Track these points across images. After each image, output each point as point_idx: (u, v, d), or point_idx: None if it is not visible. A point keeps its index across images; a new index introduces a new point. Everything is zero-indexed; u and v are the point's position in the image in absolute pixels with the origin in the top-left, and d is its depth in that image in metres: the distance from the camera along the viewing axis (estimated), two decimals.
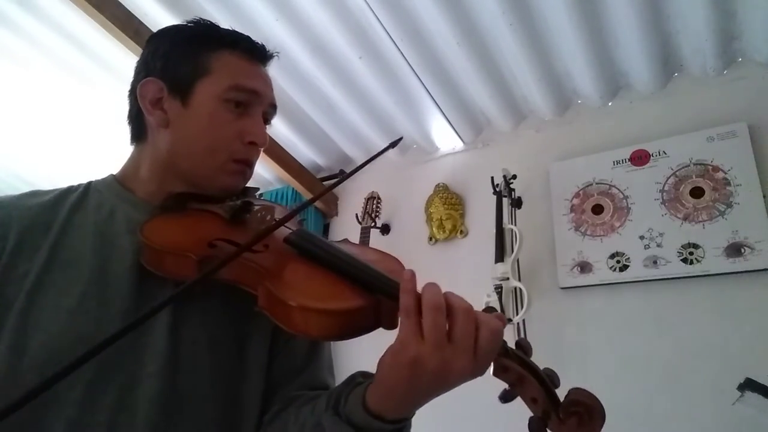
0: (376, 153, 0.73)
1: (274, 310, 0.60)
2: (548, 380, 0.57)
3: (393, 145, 0.74)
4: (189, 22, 0.80)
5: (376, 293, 0.61)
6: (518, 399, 0.59)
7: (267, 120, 0.81)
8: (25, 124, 2.54)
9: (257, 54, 0.79)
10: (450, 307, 0.54)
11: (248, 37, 0.79)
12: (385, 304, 0.60)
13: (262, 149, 0.79)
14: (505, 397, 0.58)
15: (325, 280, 0.63)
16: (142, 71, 0.77)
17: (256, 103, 0.77)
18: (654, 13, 1.84)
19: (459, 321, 0.54)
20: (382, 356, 0.57)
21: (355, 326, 0.59)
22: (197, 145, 0.74)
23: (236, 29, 0.81)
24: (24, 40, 2.10)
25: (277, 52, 0.82)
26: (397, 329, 0.58)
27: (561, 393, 0.57)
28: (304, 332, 0.59)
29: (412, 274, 0.57)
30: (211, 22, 0.80)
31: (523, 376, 0.57)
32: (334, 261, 0.65)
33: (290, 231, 0.72)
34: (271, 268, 0.63)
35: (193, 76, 0.74)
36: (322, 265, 0.65)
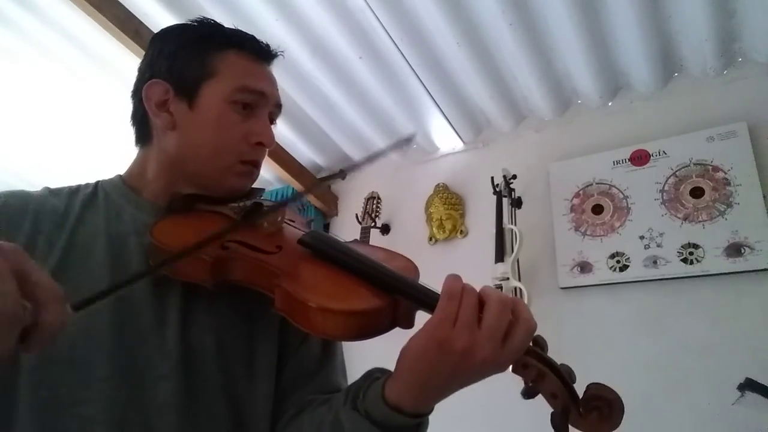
0: (386, 147, 0.73)
1: (292, 311, 0.60)
2: (567, 376, 0.58)
3: (406, 141, 0.74)
4: (193, 21, 0.79)
5: (393, 293, 0.61)
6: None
7: (272, 120, 0.81)
8: (25, 123, 2.54)
9: (263, 54, 0.79)
10: (487, 297, 0.56)
11: (253, 37, 0.79)
12: (403, 304, 0.61)
13: (268, 149, 0.79)
14: (528, 394, 0.59)
15: (342, 281, 0.64)
16: (147, 72, 0.76)
17: (263, 104, 0.77)
18: (654, 13, 1.84)
19: (492, 310, 0.55)
20: (407, 343, 0.57)
21: (373, 326, 0.60)
22: (204, 147, 0.74)
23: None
24: (24, 39, 2.10)
25: (282, 51, 0.82)
26: (413, 329, 0.60)
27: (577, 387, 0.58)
28: (323, 332, 0.59)
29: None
30: (215, 22, 0.79)
31: (543, 372, 0.57)
32: (350, 261, 0.65)
33: (303, 233, 0.72)
34: (287, 269, 0.63)
35: (199, 77, 0.73)
36: (337, 265, 0.66)
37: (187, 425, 0.63)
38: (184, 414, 0.64)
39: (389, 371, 0.61)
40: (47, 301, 0.40)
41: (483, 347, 0.54)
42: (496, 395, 1.49)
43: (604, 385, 0.57)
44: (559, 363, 0.59)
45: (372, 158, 0.75)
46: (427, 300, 0.59)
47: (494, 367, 0.55)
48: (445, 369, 0.55)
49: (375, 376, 0.63)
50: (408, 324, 0.62)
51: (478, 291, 0.57)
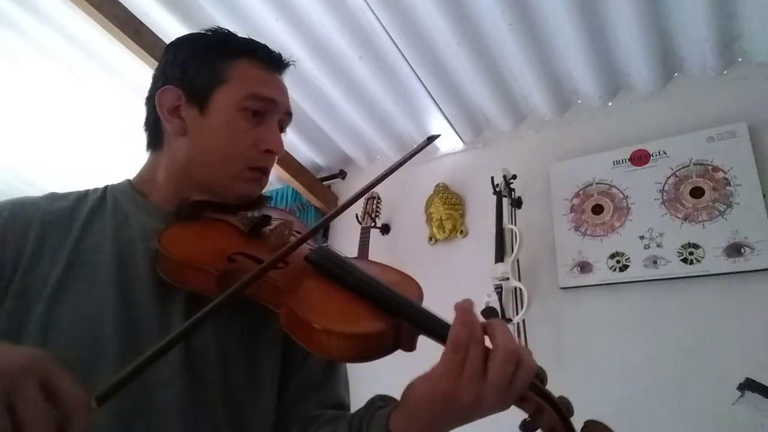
0: (412, 151, 0.74)
1: (296, 329, 0.60)
2: (565, 410, 0.58)
3: (431, 140, 0.74)
4: (207, 30, 0.80)
5: (397, 317, 0.61)
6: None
7: (282, 128, 0.82)
8: (25, 123, 2.54)
9: (274, 63, 0.80)
10: (495, 347, 0.55)
11: (265, 46, 0.80)
12: (406, 328, 0.61)
13: (277, 157, 0.80)
14: (526, 428, 0.58)
15: (346, 302, 0.64)
16: (161, 79, 0.78)
17: (273, 111, 0.78)
18: (654, 12, 1.84)
19: (497, 361, 0.54)
20: (413, 384, 0.58)
21: (376, 349, 0.60)
22: (214, 153, 0.75)
23: (236, 30, 0.82)
24: (24, 39, 2.10)
25: (293, 61, 0.83)
26: (415, 349, 0.61)
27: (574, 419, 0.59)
28: (326, 353, 0.60)
29: (470, 304, 0.57)
30: (228, 31, 0.80)
31: (542, 406, 0.57)
32: (355, 282, 0.65)
33: (310, 248, 0.72)
34: (292, 286, 0.64)
35: (211, 84, 0.75)
36: (342, 285, 0.66)
37: (190, 430, 0.64)
38: (187, 419, 0.64)
39: (392, 399, 0.62)
40: (74, 410, 0.41)
41: (488, 397, 0.54)
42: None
43: (601, 422, 0.57)
44: (557, 396, 0.59)
45: (395, 167, 0.74)
46: (430, 326, 0.60)
47: (497, 409, 0.56)
48: (450, 416, 0.56)
49: (377, 405, 0.64)
50: (410, 347, 0.62)
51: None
